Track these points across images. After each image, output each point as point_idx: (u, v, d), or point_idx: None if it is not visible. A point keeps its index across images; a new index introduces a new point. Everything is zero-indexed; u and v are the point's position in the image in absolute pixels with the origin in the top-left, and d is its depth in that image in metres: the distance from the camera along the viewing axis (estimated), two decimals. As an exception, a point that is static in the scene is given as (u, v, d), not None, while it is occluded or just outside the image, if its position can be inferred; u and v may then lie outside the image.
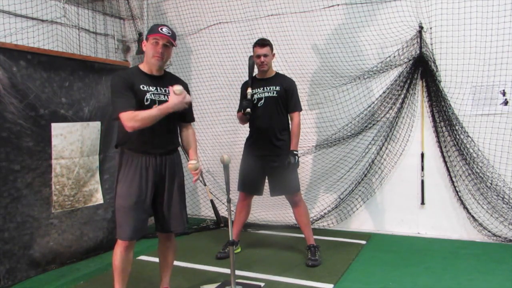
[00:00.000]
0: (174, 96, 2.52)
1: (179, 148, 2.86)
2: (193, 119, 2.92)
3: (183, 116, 2.80)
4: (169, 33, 2.60)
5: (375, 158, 4.49)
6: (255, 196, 3.87)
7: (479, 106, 4.15)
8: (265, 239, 4.46)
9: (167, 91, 2.64)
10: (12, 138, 3.33)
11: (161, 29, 2.59)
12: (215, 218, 5.01)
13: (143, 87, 2.58)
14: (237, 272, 3.19)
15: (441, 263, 3.58)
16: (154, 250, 3.85)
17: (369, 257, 3.78)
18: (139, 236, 2.66)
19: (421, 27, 4.24)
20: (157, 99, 2.60)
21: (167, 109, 2.51)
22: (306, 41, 4.74)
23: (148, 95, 2.58)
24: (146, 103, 2.56)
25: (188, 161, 2.78)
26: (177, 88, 2.54)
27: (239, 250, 3.99)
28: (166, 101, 2.60)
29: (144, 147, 2.60)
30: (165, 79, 2.72)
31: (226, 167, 2.94)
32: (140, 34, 5.27)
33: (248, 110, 3.59)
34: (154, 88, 2.62)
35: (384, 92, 4.42)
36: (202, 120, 5.33)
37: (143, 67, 2.69)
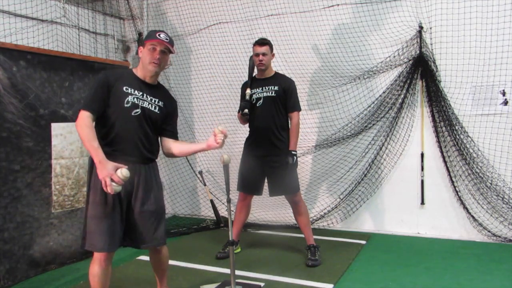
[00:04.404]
0: (103, 169, 2.26)
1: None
2: (175, 137, 2.71)
3: (165, 131, 2.66)
4: (167, 39, 2.51)
5: (375, 158, 4.49)
6: (255, 196, 3.87)
7: (479, 106, 4.16)
8: (265, 239, 4.46)
9: (153, 101, 2.55)
10: (12, 138, 3.33)
11: (159, 35, 2.50)
12: (215, 218, 5.01)
13: (126, 89, 2.48)
14: (237, 272, 3.19)
15: (441, 263, 3.58)
16: (154, 250, 3.86)
17: (369, 257, 3.78)
18: (117, 246, 2.48)
19: (421, 27, 4.24)
20: (140, 104, 2.50)
21: (96, 161, 2.31)
22: (306, 41, 4.74)
23: (130, 98, 2.47)
24: (126, 105, 2.45)
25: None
26: (124, 172, 2.29)
27: (239, 250, 3.99)
28: (149, 109, 2.51)
29: (118, 151, 2.46)
30: (156, 89, 2.62)
31: (226, 167, 2.93)
32: (140, 34, 5.26)
33: (246, 110, 3.59)
34: (141, 93, 2.52)
35: (384, 92, 4.42)
36: (202, 120, 5.33)
37: (137, 71, 2.59)
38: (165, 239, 2.67)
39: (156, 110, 2.57)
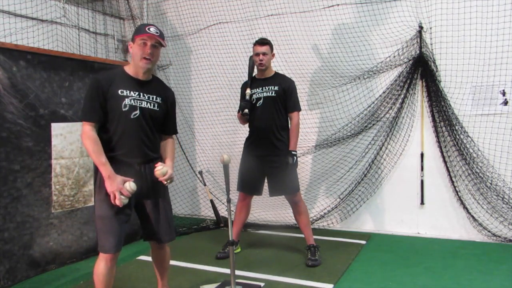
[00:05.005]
0: (112, 184, 2.32)
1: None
2: (174, 132, 2.75)
3: (163, 128, 2.66)
4: (157, 32, 2.44)
5: (375, 158, 4.49)
6: (255, 196, 3.87)
7: (479, 106, 4.16)
8: (265, 239, 4.46)
9: (151, 98, 2.51)
10: (12, 138, 3.33)
11: (149, 28, 2.43)
12: (215, 218, 5.01)
13: (122, 92, 2.42)
14: (237, 272, 3.19)
15: (441, 263, 3.58)
16: (154, 250, 3.86)
17: (369, 257, 3.78)
18: (121, 246, 2.50)
19: (421, 27, 4.24)
20: (138, 105, 2.45)
21: (104, 175, 2.35)
22: (306, 41, 4.74)
23: (127, 101, 2.42)
24: (124, 109, 2.41)
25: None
26: (132, 186, 2.37)
27: (239, 250, 3.99)
28: (148, 108, 2.48)
29: (122, 155, 2.46)
30: (152, 85, 2.56)
31: (226, 167, 2.93)
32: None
33: (246, 110, 3.59)
34: (137, 93, 2.46)
35: (384, 92, 4.43)
36: (202, 120, 5.34)
37: (129, 69, 2.52)
38: (174, 235, 2.71)
39: (156, 108, 2.54)
